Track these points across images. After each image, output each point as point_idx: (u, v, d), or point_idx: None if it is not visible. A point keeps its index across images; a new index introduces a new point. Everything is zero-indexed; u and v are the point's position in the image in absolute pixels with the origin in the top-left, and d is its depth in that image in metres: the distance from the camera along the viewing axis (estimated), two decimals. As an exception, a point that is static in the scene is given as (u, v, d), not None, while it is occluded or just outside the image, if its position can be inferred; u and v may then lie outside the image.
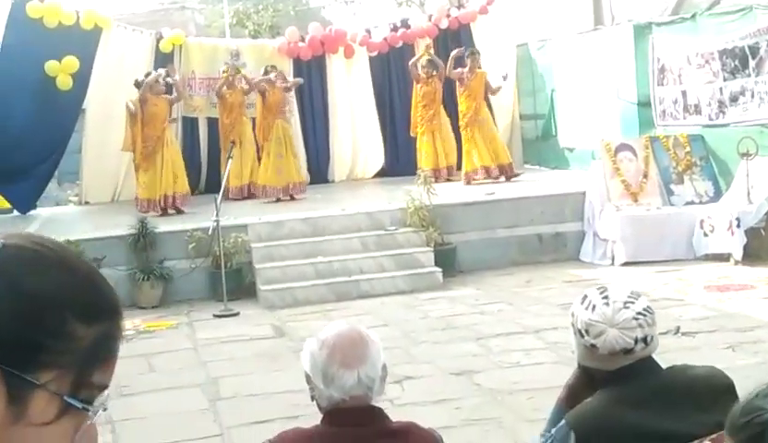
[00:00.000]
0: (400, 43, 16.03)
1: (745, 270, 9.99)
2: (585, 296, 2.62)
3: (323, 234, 10.97)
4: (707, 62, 11.41)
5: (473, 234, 11.33)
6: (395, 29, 16.24)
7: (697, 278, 9.87)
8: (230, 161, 11.02)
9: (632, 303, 2.55)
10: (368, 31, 16.16)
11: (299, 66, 15.42)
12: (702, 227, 10.83)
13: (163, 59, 14.76)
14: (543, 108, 15.55)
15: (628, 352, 2.53)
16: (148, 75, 13.06)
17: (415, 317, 9.12)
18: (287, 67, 15.13)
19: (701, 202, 11.35)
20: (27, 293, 1.09)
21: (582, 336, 2.56)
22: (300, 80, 14.46)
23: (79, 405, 1.12)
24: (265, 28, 24.82)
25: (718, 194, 11.37)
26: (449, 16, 16.28)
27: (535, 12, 19.58)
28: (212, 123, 14.94)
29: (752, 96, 10.89)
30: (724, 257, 10.50)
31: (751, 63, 10.78)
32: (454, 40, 16.17)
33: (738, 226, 10.32)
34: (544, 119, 15.53)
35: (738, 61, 10.95)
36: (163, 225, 10.93)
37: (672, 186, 11.53)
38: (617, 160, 11.64)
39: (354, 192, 14.10)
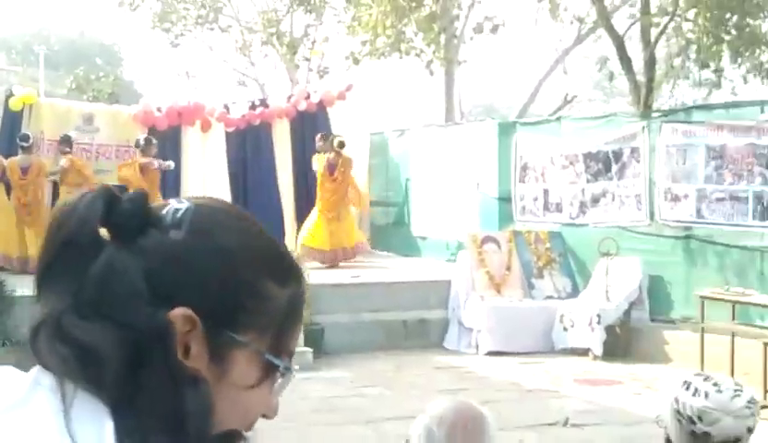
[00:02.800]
0: (257, 122, 15.98)
1: (606, 366, 10.35)
2: (689, 383, 2.61)
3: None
4: (571, 163, 11.95)
5: (340, 316, 11.28)
6: (254, 107, 16.20)
7: (562, 371, 10.14)
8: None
9: (742, 391, 2.58)
10: (227, 107, 16.04)
11: (153, 136, 15.06)
12: (561, 321, 11.19)
13: (11, 117, 14.13)
14: (396, 196, 15.79)
15: (737, 440, 2.55)
16: None
17: (295, 397, 8.90)
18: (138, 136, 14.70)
19: (559, 297, 11.74)
20: (225, 250, 1.08)
21: (694, 423, 2.54)
22: (171, 164, 14.09)
23: (281, 364, 1.11)
24: (104, 95, 24.24)
25: (575, 290, 11.81)
26: (307, 98, 16.39)
27: (391, 103, 20.02)
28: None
29: (613, 198, 11.46)
30: (581, 352, 10.85)
31: (614, 167, 11.38)
32: (311, 122, 16.29)
33: (599, 323, 10.73)
34: (397, 206, 15.76)
35: (602, 164, 11.53)
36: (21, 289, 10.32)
37: (533, 280, 11.89)
38: (482, 251, 11.93)
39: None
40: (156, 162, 13.34)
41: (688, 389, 2.59)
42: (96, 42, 53.50)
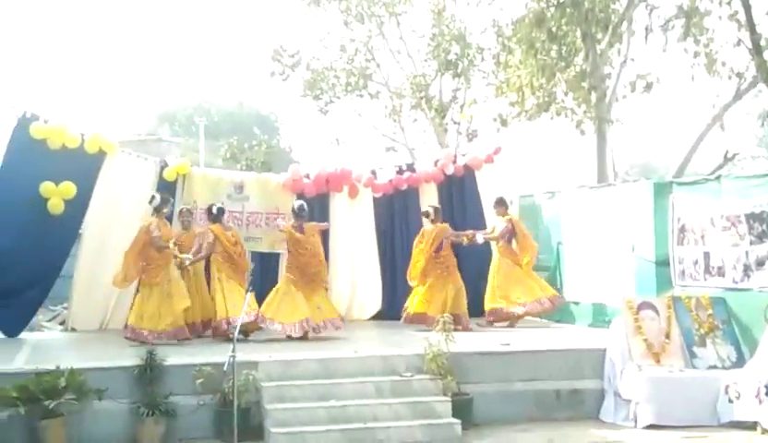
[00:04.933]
0: (404, 186, 15.90)
1: (776, 441, 9.62)
2: None
3: (335, 377, 10.48)
4: (732, 224, 11.30)
5: (489, 386, 10.90)
6: (401, 171, 16.14)
7: (728, 446, 9.47)
8: (249, 294, 10.57)
9: None
10: (374, 173, 16.03)
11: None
12: (726, 392, 10.49)
13: (166, 187, 14.47)
14: (548, 260, 15.35)
15: None
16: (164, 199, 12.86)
17: (442, 472, 8.60)
18: (289, 203, 14.76)
19: (723, 367, 11.04)
20: None
21: None
22: (327, 225, 14.17)
23: None
24: (258, 163, 24.76)
25: (741, 359, 11.08)
26: (455, 162, 16.22)
27: (541, 165, 19.68)
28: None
29: (779, 261, 10.74)
30: (749, 426, 10.13)
31: (779, 228, 10.68)
32: (459, 186, 16.10)
33: (767, 394, 10.00)
34: (548, 271, 15.30)
35: (766, 225, 10.85)
36: (172, 358, 10.38)
37: (695, 349, 11.22)
38: (639, 318, 11.35)
39: (360, 333, 13.62)
40: (322, 225, 13.47)
41: None
42: (253, 113, 55.11)
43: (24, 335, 13.62)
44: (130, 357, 10.27)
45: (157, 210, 12.75)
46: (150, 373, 9.94)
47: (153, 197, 12.92)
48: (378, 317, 15.70)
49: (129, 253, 12.50)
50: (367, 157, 28.56)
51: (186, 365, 10.21)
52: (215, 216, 13.21)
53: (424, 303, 13.93)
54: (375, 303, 15.87)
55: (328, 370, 10.56)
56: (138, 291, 12.82)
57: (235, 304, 12.18)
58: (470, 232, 14.62)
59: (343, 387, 10.32)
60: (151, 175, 14.70)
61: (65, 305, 15.24)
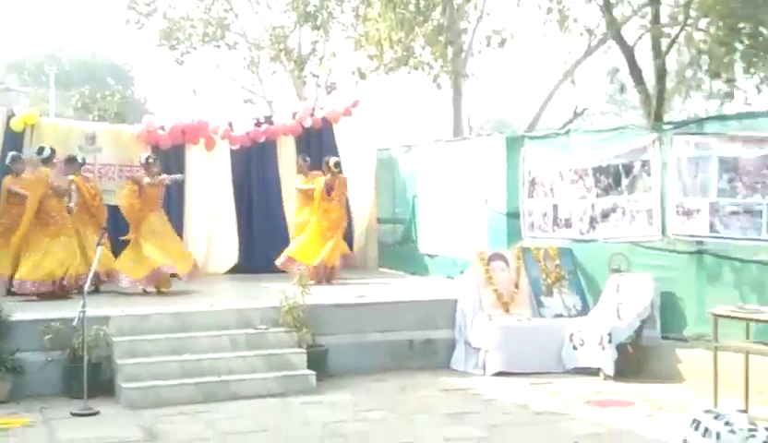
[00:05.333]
0: (262, 139, 15.77)
1: (617, 386, 10.03)
2: (698, 422, 2.32)
3: (189, 331, 10.38)
4: (580, 178, 11.66)
5: (344, 338, 11.00)
6: (258, 124, 16.00)
7: (572, 392, 9.82)
8: (100, 248, 10.32)
9: (756, 430, 2.29)
10: (231, 125, 15.84)
11: (157, 154, 14.83)
12: (571, 340, 10.88)
13: (13, 138, 13.96)
14: (404, 213, 15.53)
15: None
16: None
17: (296, 422, 8.65)
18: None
19: (569, 315, 11.44)
20: None
21: None
22: (181, 177, 13.89)
23: None
24: (111, 114, 24.08)
25: (585, 308, 11.51)
26: (313, 115, 16.17)
27: (399, 118, 19.80)
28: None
29: (624, 213, 11.16)
30: (592, 372, 10.53)
31: (625, 181, 11.09)
32: (317, 139, 16.07)
33: (610, 341, 10.42)
34: (404, 224, 15.49)
35: (612, 178, 11.24)
36: (19, 313, 10.07)
37: (542, 298, 11.60)
38: (489, 269, 11.64)
39: (216, 287, 13.51)
40: (168, 179, 13.10)
41: (697, 428, 2.30)
42: (108, 63, 53.56)
43: None
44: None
45: (45, 162, 12.32)
46: (-5, 328, 9.63)
47: (42, 149, 12.50)
48: (235, 270, 15.59)
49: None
50: (225, 109, 28.15)
51: (34, 321, 9.92)
52: (74, 167, 12.86)
53: (300, 250, 13.96)
54: (231, 256, 15.74)
55: (182, 324, 10.45)
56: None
57: (90, 258, 11.90)
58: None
59: (198, 340, 10.24)
60: (-4, 125, 14.13)
61: None
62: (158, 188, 12.88)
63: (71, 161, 12.97)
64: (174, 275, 12.74)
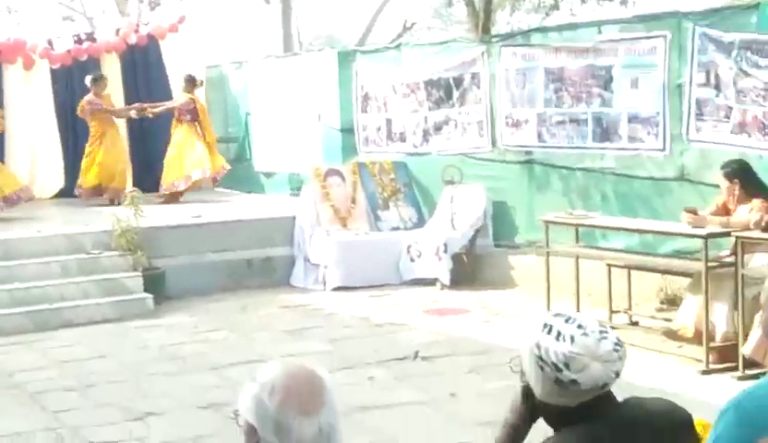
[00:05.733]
0: (84, 57, 15.11)
1: (453, 295, 10.29)
2: (550, 326, 2.33)
3: (17, 259, 9.98)
4: (412, 91, 11.73)
5: (181, 259, 10.82)
6: (80, 41, 15.30)
7: (410, 302, 10.02)
8: None
9: (607, 333, 2.34)
10: (50, 43, 15.09)
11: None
12: (408, 252, 11.06)
13: None
14: (236, 131, 15.29)
15: (605, 386, 2.33)
16: None
17: (133, 346, 8.50)
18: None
19: (405, 228, 11.60)
20: None
21: (560, 370, 2.27)
22: None
23: None
24: None
25: (421, 220, 11.68)
26: (137, 31, 15.59)
27: (228, 34, 19.35)
28: None
29: (456, 126, 11.32)
30: (429, 282, 10.75)
31: (455, 94, 11.22)
32: (142, 56, 15.54)
33: (446, 252, 10.65)
34: (237, 142, 15.27)
35: (443, 91, 11.36)
36: None
37: (379, 212, 11.70)
38: (326, 185, 11.64)
39: (43, 212, 12.97)
40: None
41: (550, 332, 2.32)
42: None
43: None
44: None
45: None
46: None
47: None
48: (61, 194, 15.00)
49: None
50: (43, 27, 26.77)
51: None
52: None
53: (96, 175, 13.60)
54: (57, 180, 15.14)
55: (9, 252, 10.05)
56: None
57: None
58: (137, 105, 14.28)
59: (26, 268, 9.88)
60: None
61: None
62: None
63: None
64: None
